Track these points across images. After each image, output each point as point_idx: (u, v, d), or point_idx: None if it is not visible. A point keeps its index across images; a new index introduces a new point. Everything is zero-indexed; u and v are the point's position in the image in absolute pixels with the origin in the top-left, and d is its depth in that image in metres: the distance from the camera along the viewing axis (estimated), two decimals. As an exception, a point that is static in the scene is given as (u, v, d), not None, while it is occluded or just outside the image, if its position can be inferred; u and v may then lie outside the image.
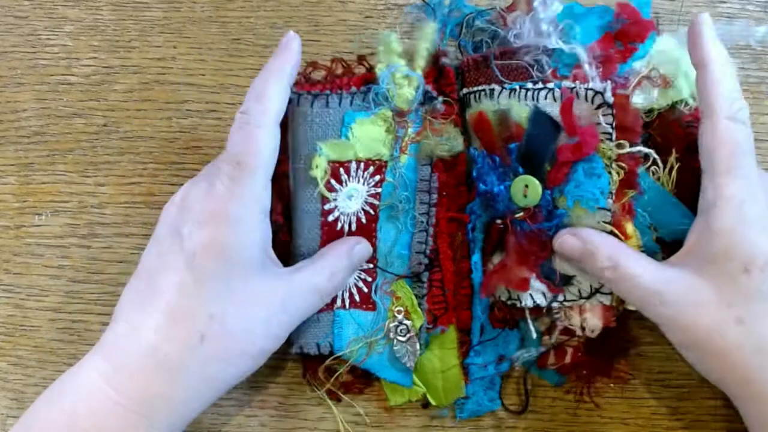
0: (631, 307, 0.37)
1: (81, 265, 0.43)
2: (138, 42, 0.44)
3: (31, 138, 0.44)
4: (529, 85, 0.37)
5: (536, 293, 0.38)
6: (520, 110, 0.37)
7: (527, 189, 0.37)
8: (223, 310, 0.34)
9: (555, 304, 0.38)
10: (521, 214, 0.37)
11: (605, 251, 0.36)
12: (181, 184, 0.43)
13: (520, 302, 0.38)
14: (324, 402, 0.41)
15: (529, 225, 0.37)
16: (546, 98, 0.37)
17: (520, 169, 0.37)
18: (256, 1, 0.44)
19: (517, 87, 0.38)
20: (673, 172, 0.38)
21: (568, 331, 0.39)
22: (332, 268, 0.37)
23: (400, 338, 0.38)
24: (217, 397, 0.35)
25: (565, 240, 0.37)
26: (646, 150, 0.37)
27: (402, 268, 0.39)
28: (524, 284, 0.38)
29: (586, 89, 0.37)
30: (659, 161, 0.38)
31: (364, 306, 0.39)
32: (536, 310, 0.38)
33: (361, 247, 0.39)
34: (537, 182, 0.37)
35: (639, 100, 0.38)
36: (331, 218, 0.39)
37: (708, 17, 0.36)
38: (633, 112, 0.37)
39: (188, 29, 0.44)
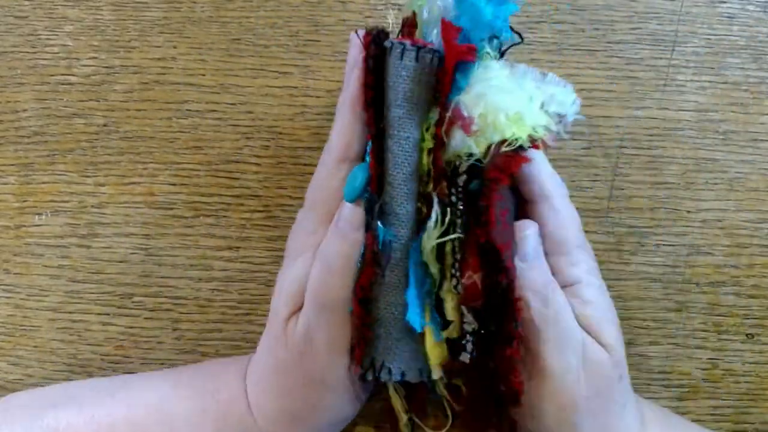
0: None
1: (81, 265, 0.43)
2: (138, 42, 0.44)
3: (31, 138, 0.44)
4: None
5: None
6: None
7: None
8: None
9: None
10: None
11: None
12: (182, 184, 0.43)
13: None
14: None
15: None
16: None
17: None
18: (256, 1, 0.44)
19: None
20: None
21: None
22: None
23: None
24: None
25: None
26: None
27: None
28: None
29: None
30: None
31: None
32: None
33: None
34: None
35: (453, 144, 0.33)
36: None
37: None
38: None
39: (188, 29, 0.44)
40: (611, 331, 0.35)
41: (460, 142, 0.33)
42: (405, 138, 0.33)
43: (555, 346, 0.33)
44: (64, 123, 0.44)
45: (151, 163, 0.43)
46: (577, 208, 0.36)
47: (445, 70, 0.32)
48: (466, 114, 0.32)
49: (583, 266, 0.35)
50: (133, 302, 0.43)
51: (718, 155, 0.43)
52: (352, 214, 0.34)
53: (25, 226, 0.43)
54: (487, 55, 0.33)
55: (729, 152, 0.43)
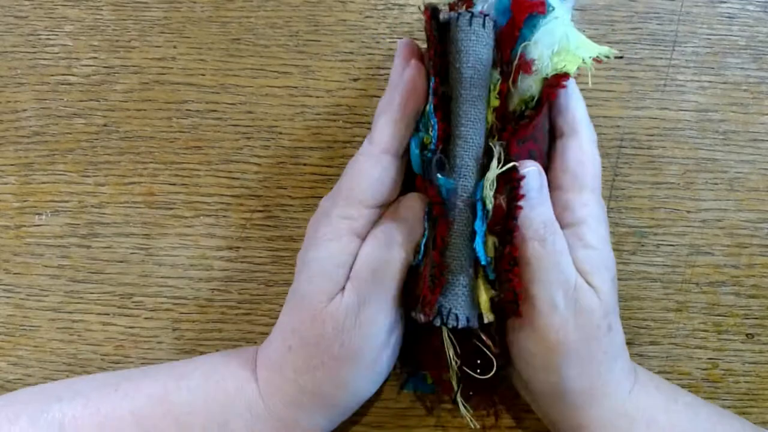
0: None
1: (81, 265, 0.43)
2: (138, 42, 0.44)
3: (31, 138, 0.44)
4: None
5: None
6: None
7: None
8: None
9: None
10: None
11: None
12: (182, 184, 0.43)
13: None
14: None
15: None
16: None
17: None
18: (256, 1, 0.44)
19: None
20: None
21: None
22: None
23: None
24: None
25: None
26: None
27: None
28: None
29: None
30: None
31: None
32: None
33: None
34: None
35: (520, 90, 0.36)
36: None
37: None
38: None
39: (188, 29, 0.44)
40: (605, 277, 0.35)
41: (524, 87, 0.35)
42: (477, 96, 0.35)
43: (544, 286, 0.34)
44: (64, 123, 0.44)
45: (151, 163, 0.43)
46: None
47: (515, 24, 0.35)
48: (527, 58, 0.35)
49: (591, 209, 0.36)
50: (133, 302, 0.43)
51: (718, 155, 0.43)
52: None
53: (25, 226, 0.43)
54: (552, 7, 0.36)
55: (729, 152, 0.43)
